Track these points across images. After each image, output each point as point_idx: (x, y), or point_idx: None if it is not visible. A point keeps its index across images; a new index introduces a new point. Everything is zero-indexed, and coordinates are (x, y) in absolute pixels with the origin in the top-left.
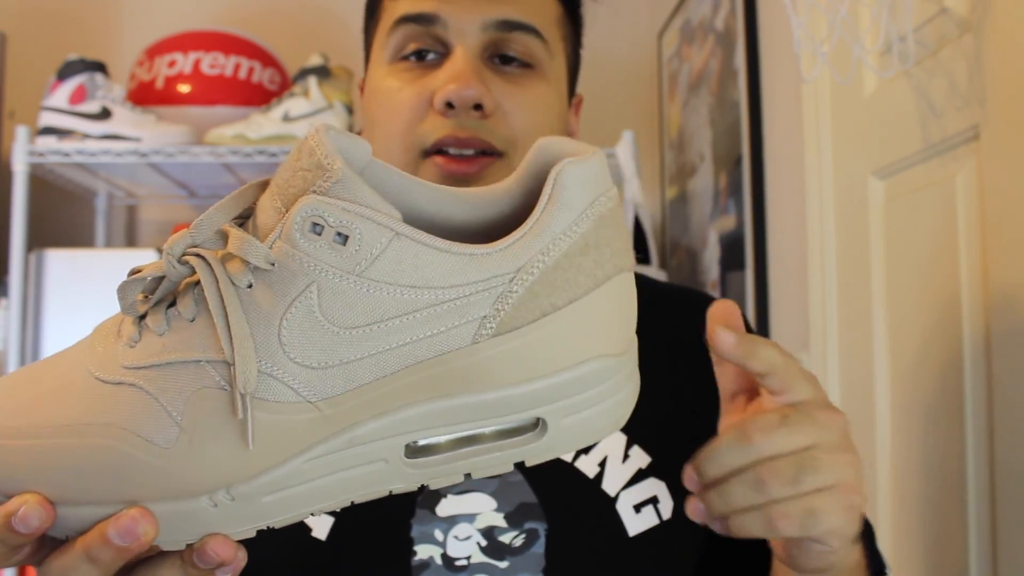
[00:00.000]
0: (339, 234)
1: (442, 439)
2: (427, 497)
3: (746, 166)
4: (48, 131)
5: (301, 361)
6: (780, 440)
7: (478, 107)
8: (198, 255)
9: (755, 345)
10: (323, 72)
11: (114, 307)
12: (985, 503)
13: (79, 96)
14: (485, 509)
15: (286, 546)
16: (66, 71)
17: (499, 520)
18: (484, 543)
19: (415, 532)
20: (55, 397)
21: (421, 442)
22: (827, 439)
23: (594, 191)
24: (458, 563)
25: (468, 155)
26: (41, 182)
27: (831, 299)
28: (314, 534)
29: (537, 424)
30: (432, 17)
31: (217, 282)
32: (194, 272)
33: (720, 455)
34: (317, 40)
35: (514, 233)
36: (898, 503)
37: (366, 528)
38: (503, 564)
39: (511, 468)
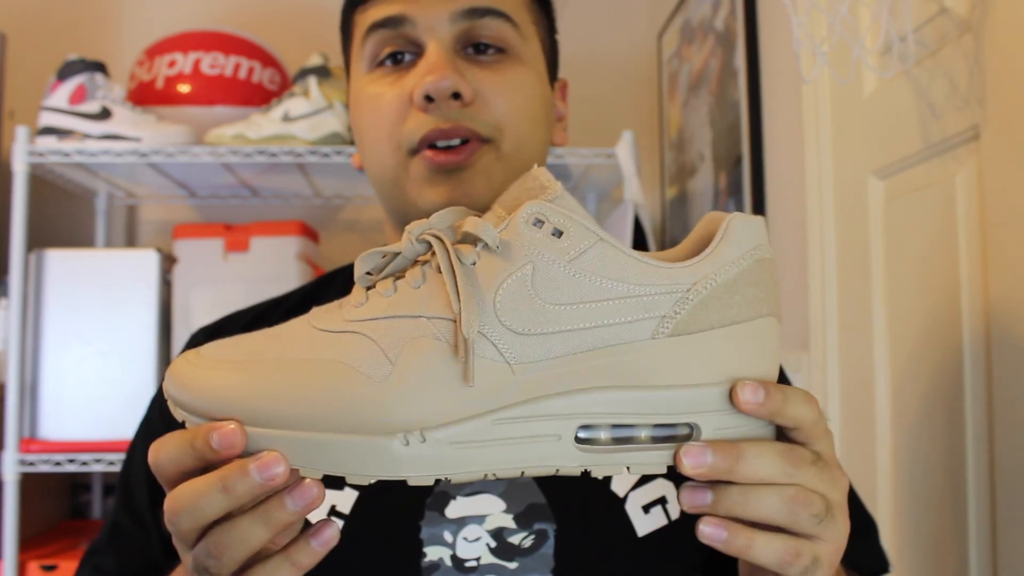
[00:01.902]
0: (556, 230)
1: (603, 435)
2: (436, 499)
3: (746, 166)
4: (48, 131)
5: (509, 324)
6: (810, 476)
7: (457, 96)
8: (435, 236)
9: (785, 404)
10: (323, 72)
11: (114, 307)
12: (985, 503)
13: (79, 96)
14: (494, 510)
15: None
16: (66, 71)
17: (508, 521)
18: (493, 544)
19: (425, 534)
20: (280, 343)
21: (583, 435)
22: (837, 499)
23: (756, 240)
24: (468, 564)
25: (455, 145)
26: (41, 182)
27: (831, 299)
28: None
29: (691, 432)
30: (400, 19)
31: (449, 255)
32: (427, 251)
33: (760, 459)
34: (317, 40)
35: (693, 258)
36: (898, 503)
37: (375, 530)
38: (512, 565)
39: (664, 470)
